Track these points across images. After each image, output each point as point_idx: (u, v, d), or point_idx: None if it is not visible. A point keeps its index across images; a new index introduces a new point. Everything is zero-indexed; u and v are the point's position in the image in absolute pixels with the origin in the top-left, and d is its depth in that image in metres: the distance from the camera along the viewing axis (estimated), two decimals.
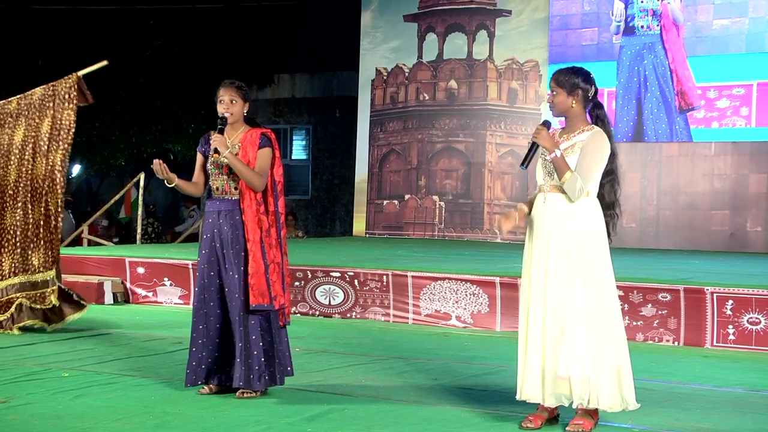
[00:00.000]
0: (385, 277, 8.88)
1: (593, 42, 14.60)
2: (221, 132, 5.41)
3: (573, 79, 4.81)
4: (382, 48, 16.46)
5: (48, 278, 7.83)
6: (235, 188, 5.41)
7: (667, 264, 10.41)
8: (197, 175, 5.58)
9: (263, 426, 4.73)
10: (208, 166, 5.49)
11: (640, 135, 14.19)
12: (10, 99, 8.12)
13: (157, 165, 5.32)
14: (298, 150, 20.08)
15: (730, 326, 7.55)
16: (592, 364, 4.64)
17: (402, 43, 16.28)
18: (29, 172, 7.89)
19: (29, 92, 8.08)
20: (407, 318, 8.76)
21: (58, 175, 7.87)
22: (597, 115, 4.86)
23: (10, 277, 7.84)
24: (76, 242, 13.81)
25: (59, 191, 7.88)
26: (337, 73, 19.21)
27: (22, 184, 7.89)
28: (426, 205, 15.85)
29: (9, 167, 7.95)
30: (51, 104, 7.93)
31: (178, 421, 4.78)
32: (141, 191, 13.93)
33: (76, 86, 7.89)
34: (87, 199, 22.23)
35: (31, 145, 7.92)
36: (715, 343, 7.59)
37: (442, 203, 15.73)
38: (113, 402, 5.16)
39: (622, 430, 4.79)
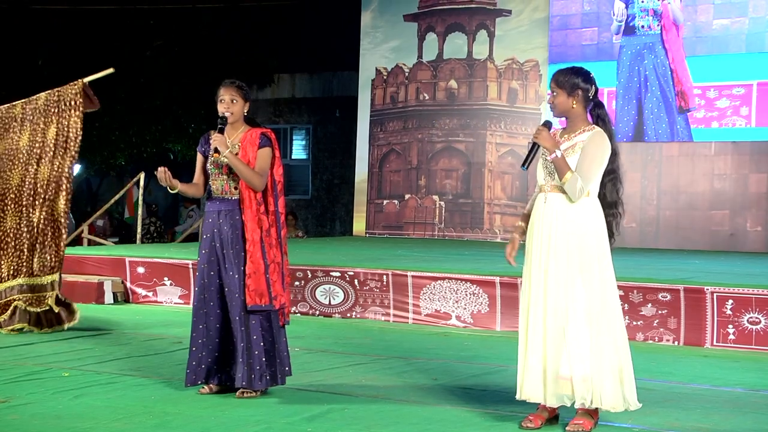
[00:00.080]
0: (385, 276, 8.88)
1: (593, 42, 14.60)
2: (221, 131, 5.41)
3: (573, 80, 4.81)
4: (382, 48, 16.46)
5: (46, 282, 7.83)
6: (235, 188, 5.41)
7: (667, 264, 10.41)
8: (198, 175, 5.58)
9: (263, 426, 4.73)
10: (208, 165, 5.49)
11: (641, 135, 14.19)
12: (14, 103, 8.12)
13: (162, 173, 5.31)
14: (298, 150, 20.09)
15: (730, 326, 7.55)
16: (594, 364, 4.64)
17: (402, 43, 16.28)
18: (33, 176, 7.90)
19: (34, 97, 8.08)
20: (407, 318, 8.76)
21: (65, 182, 7.87)
22: (598, 115, 4.85)
23: (8, 279, 7.83)
24: (76, 242, 13.81)
25: (66, 198, 7.88)
26: (337, 73, 19.21)
27: (25, 189, 7.89)
28: (426, 204, 15.85)
29: (13, 171, 7.95)
30: (56, 110, 7.93)
31: (178, 421, 4.78)
32: (141, 191, 13.94)
33: (81, 93, 7.90)
34: (87, 199, 22.23)
35: (37, 150, 7.92)
36: (715, 343, 7.59)
37: (442, 203, 15.73)
38: (113, 402, 5.16)
39: (622, 430, 4.79)
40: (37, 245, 7.82)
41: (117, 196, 14.81)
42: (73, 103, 7.90)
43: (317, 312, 9.12)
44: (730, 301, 7.56)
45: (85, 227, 14.25)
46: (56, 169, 7.88)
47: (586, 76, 4.83)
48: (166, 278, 9.77)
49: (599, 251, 4.73)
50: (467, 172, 15.62)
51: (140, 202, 14.15)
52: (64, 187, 7.87)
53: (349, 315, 9.01)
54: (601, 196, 4.82)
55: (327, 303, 9.11)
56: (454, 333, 8.26)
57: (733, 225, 13.63)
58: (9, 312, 7.73)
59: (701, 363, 6.94)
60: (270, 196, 5.46)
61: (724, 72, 13.65)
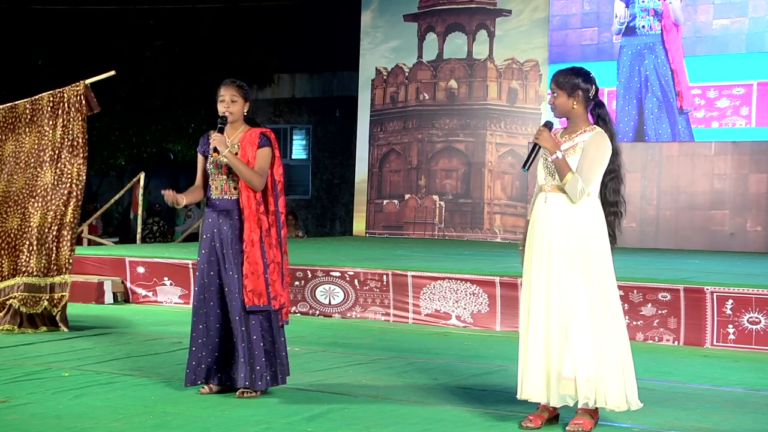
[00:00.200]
0: (385, 276, 8.88)
1: (593, 42, 14.61)
2: (221, 131, 5.41)
3: (573, 80, 4.80)
4: (382, 48, 16.46)
5: (43, 284, 7.82)
6: (235, 188, 5.40)
7: (667, 264, 10.41)
8: (199, 177, 5.57)
9: (263, 426, 4.73)
10: (208, 165, 5.49)
11: (641, 135, 14.20)
12: (16, 103, 8.11)
13: (170, 195, 5.38)
14: (298, 150, 20.09)
15: (730, 326, 7.55)
16: (598, 364, 4.63)
17: (402, 43, 16.28)
18: (38, 179, 7.90)
19: (36, 97, 8.07)
20: (407, 318, 8.76)
21: (76, 190, 7.88)
22: (599, 114, 4.85)
23: (8, 278, 7.84)
24: (76, 242, 13.80)
25: (75, 206, 7.89)
26: (337, 73, 19.22)
27: (29, 191, 7.89)
28: (426, 204, 15.86)
29: (19, 174, 7.94)
30: (60, 111, 7.93)
31: (178, 421, 4.78)
32: (141, 191, 13.94)
33: (84, 95, 7.89)
34: (87, 199, 22.22)
35: (42, 154, 7.91)
36: (715, 343, 7.59)
37: (442, 203, 15.73)
38: (113, 402, 5.16)
39: (622, 430, 4.79)
40: (36, 246, 7.81)
41: (117, 196, 14.81)
42: (77, 105, 7.90)
43: (317, 312, 9.12)
44: (730, 301, 7.56)
45: (85, 227, 14.25)
46: (65, 174, 7.88)
47: (586, 77, 4.83)
48: (166, 278, 9.77)
49: (600, 251, 4.73)
50: (467, 172, 15.62)
51: (140, 202, 14.15)
52: (75, 194, 7.88)
53: (349, 315, 9.01)
54: (602, 196, 4.82)
55: (327, 303, 9.11)
56: (454, 333, 8.26)
57: (733, 225, 13.63)
58: (4, 311, 7.74)
59: (701, 363, 6.94)
60: (270, 195, 5.46)
61: (724, 72, 13.65)
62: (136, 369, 6.14)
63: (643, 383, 4.93)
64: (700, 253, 12.69)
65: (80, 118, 7.91)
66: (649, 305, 7.82)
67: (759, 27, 13.62)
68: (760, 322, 7.47)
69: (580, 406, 4.69)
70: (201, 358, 5.38)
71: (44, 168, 7.90)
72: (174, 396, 5.34)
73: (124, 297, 9.90)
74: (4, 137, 8.03)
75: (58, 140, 7.90)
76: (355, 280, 8.99)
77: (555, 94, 4.83)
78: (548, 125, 4.83)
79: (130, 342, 7.31)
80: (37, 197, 7.88)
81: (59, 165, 7.89)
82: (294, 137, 20.07)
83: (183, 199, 5.43)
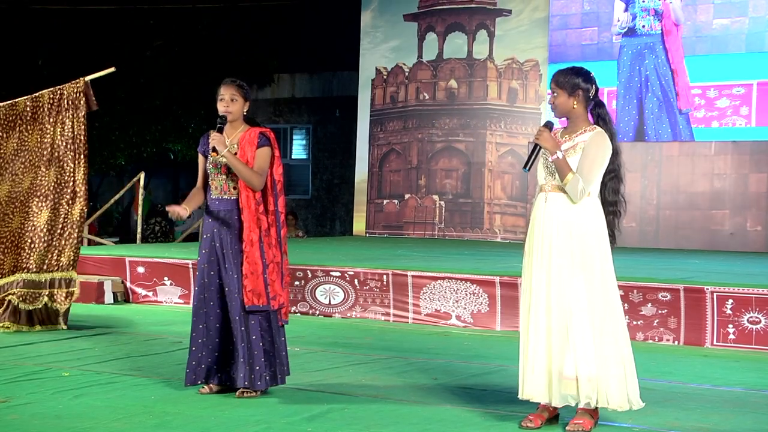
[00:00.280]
0: (385, 276, 8.88)
1: (593, 42, 14.61)
2: (220, 131, 5.41)
3: (573, 80, 4.80)
4: (382, 48, 16.46)
5: (43, 279, 7.83)
6: (234, 188, 5.40)
7: (667, 263, 10.41)
8: (200, 178, 5.57)
9: (263, 426, 4.73)
10: (208, 165, 5.48)
11: (641, 135, 14.20)
12: (16, 100, 8.11)
13: (174, 212, 5.41)
14: (298, 150, 20.09)
15: (730, 326, 7.55)
16: (599, 364, 4.63)
17: (402, 43, 16.28)
18: (43, 179, 7.90)
19: (36, 95, 8.07)
20: (407, 317, 8.76)
21: (82, 189, 7.90)
22: (599, 114, 4.85)
23: (9, 275, 7.84)
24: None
25: (82, 205, 7.91)
26: (337, 72, 19.22)
27: (34, 191, 7.91)
28: (426, 204, 15.86)
29: (25, 174, 7.95)
30: (60, 109, 7.93)
31: (178, 421, 4.78)
32: (141, 191, 13.94)
33: (84, 92, 7.90)
34: (87, 198, 22.21)
35: (46, 153, 7.92)
36: (715, 343, 7.59)
37: (442, 203, 15.73)
38: (113, 402, 5.16)
39: (622, 430, 4.79)
40: (39, 243, 7.82)
41: (117, 196, 14.81)
42: (77, 102, 7.91)
43: (317, 312, 9.12)
44: (730, 301, 7.56)
45: (85, 227, 14.24)
46: (68, 173, 7.89)
47: (586, 76, 4.83)
48: (166, 278, 9.77)
49: (600, 251, 4.73)
50: (467, 171, 15.62)
51: (140, 202, 14.15)
52: (80, 193, 7.90)
53: (349, 315, 9.01)
54: (602, 196, 4.82)
55: (327, 303, 9.11)
56: (454, 333, 8.26)
57: (733, 225, 13.63)
58: (3, 307, 7.74)
59: (701, 363, 6.94)
60: (270, 195, 5.45)
61: (724, 72, 13.65)
62: (136, 369, 6.14)
63: (643, 383, 4.93)
64: (700, 253, 12.69)
65: (81, 116, 7.92)
66: (649, 305, 7.82)
67: (759, 27, 13.62)
68: (760, 321, 7.47)
69: (581, 405, 4.69)
70: (201, 358, 5.38)
71: (48, 167, 7.91)
72: (174, 396, 5.34)
73: (124, 297, 9.90)
74: (5, 135, 8.03)
75: (60, 138, 7.91)
76: (355, 280, 8.99)
77: (555, 94, 4.83)
78: (548, 125, 4.83)
79: (130, 342, 7.31)
80: (41, 196, 7.89)
81: (62, 163, 7.90)
82: (294, 137, 20.07)
83: (186, 211, 5.43)
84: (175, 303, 9.69)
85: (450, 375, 6.17)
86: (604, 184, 4.82)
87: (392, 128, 16.29)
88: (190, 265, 9.47)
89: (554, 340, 4.69)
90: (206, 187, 5.54)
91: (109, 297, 9.73)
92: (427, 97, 16.02)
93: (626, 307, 7.68)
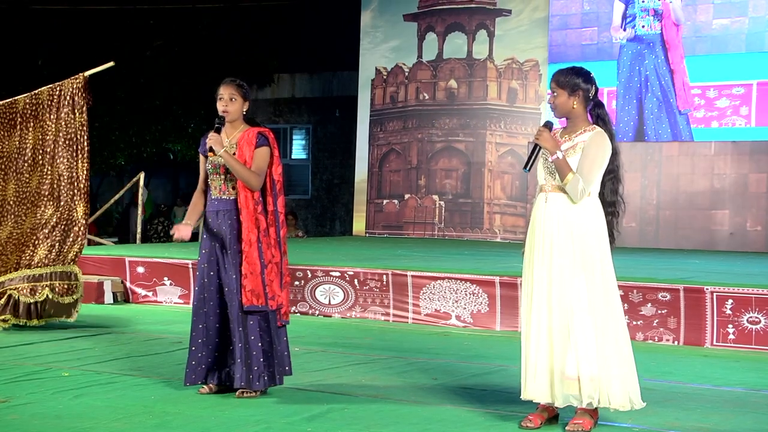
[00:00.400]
0: (384, 276, 8.88)
1: (593, 41, 14.61)
2: (218, 131, 5.41)
3: (574, 80, 4.80)
4: (382, 48, 16.46)
5: (45, 273, 7.84)
6: (233, 188, 5.40)
7: (666, 263, 10.41)
8: (201, 180, 5.56)
9: (263, 426, 4.73)
10: (207, 165, 5.48)
11: (641, 135, 14.20)
12: (15, 98, 8.11)
13: (178, 235, 5.47)
14: (298, 150, 20.09)
15: (730, 326, 7.55)
16: (601, 364, 4.63)
17: (402, 43, 16.28)
18: (48, 176, 7.92)
19: (36, 92, 8.08)
20: (407, 317, 8.76)
21: (85, 185, 7.93)
22: (598, 115, 4.85)
23: (11, 272, 7.86)
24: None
25: (85, 203, 7.95)
26: (336, 72, 19.22)
27: (39, 190, 7.93)
28: (426, 204, 15.86)
29: (31, 174, 7.97)
30: (60, 105, 7.93)
31: (178, 421, 4.78)
32: (141, 191, 13.95)
33: (84, 87, 7.90)
34: (89, 195, 22.20)
35: (48, 150, 7.93)
36: (714, 343, 7.59)
37: (442, 203, 15.73)
38: (113, 402, 5.16)
39: (622, 430, 4.79)
40: (42, 240, 7.84)
41: (117, 196, 14.81)
42: (76, 98, 7.91)
43: (317, 312, 9.12)
44: (730, 301, 7.56)
45: (86, 228, 14.24)
46: (72, 170, 7.90)
47: (586, 77, 4.83)
48: (165, 278, 9.77)
49: (600, 251, 4.73)
50: (467, 171, 15.62)
51: (140, 202, 14.16)
52: (84, 190, 7.92)
53: (349, 315, 9.01)
54: (601, 196, 4.82)
55: (327, 303, 9.11)
56: (454, 333, 8.26)
57: (733, 224, 13.63)
58: (3, 301, 7.74)
59: (701, 363, 6.94)
60: (269, 195, 5.45)
61: (723, 72, 13.65)
62: (136, 369, 6.14)
63: (643, 383, 4.93)
64: (700, 253, 12.69)
65: (81, 111, 7.92)
66: (649, 305, 7.82)
67: (759, 27, 13.62)
68: (760, 321, 7.47)
69: (584, 405, 4.69)
70: (201, 358, 5.38)
71: (53, 165, 7.93)
72: (174, 396, 5.34)
73: (124, 297, 9.90)
74: (6, 133, 8.03)
75: (62, 135, 7.92)
76: (355, 280, 8.99)
77: (555, 94, 4.83)
78: (548, 125, 4.83)
79: (130, 342, 7.32)
80: (49, 195, 7.92)
81: (65, 160, 7.91)
82: (294, 137, 20.08)
83: (189, 229, 5.47)
84: (174, 303, 9.69)
85: (450, 375, 6.17)
86: (603, 185, 4.82)
87: (392, 128, 16.30)
88: (190, 265, 9.47)
89: (556, 340, 4.69)
90: (207, 188, 5.54)
91: (109, 297, 9.73)
92: (427, 97, 16.02)
93: (626, 307, 7.67)
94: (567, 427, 4.71)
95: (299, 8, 19.10)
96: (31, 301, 7.74)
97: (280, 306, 5.41)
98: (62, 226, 7.90)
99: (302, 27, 19.19)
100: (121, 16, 17.87)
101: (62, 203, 7.92)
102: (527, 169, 4.84)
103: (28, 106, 8.02)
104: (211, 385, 5.42)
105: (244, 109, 5.49)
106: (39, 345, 7.10)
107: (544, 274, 4.74)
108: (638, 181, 13.98)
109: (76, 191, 7.93)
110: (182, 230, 5.46)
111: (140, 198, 14.11)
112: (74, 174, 7.92)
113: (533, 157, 4.82)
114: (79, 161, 7.92)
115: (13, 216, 7.96)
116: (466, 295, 8.53)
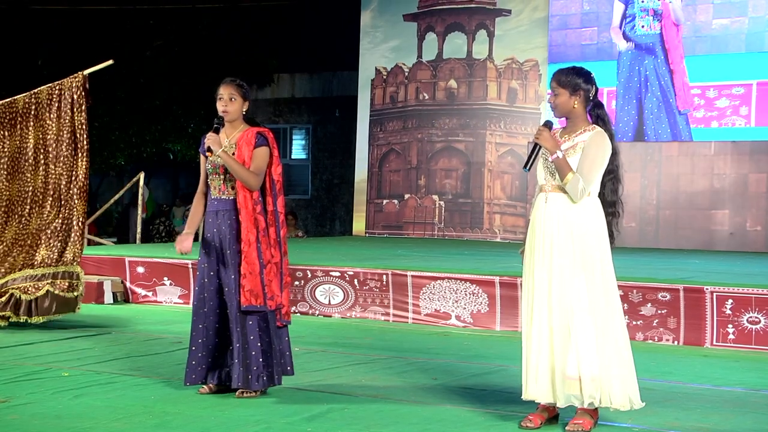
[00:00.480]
0: (384, 276, 8.88)
1: (593, 41, 14.61)
2: (216, 131, 5.41)
3: (575, 80, 4.80)
4: (382, 48, 16.46)
5: (48, 273, 7.85)
6: (232, 188, 5.40)
7: (666, 263, 10.42)
8: (202, 180, 5.56)
9: (263, 426, 4.73)
10: (207, 165, 5.48)
11: (641, 135, 14.20)
12: (15, 98, 8.12)
13: (181, 250, 5.51)
14: (298, 150, 20.09)
15: (730, 325, 7.55)
16: (602, 364, 4.64)
17: (402, 43, 16.28)
18: (50, 176, 7.93)
19: (35, 91, 8.08)
20: (407, 317, 8.76)
21: (84, 184, 7.95)
22: (598, 115, 4.85)
23: (15, 271, 7.87)
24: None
25: (85, 202, 7.96)
26: (336, 72, 19.22)
27: (43, 189, 7.94)
28: (426, 204, 15.86)
29: (34, 173, 7.98)
30: (60, 104, 7.94)
31: (178, 421, 4.78)
32: (141, 190, 13.95)
33: (83, 86, 7.91)
34: (87, 198, 22.19)
35: (50, 149, 7.94)
36: (714, 343, 7.59)
37: (442, 203, 15.73)
38: (113, 402, 5.16)
39: (622, 430, 4.79)
40: (45, 240, 7.86)
41: (117, 196, 14.81)
42: (76, 96, 7.92)
43: (317, 312, 9.12)
44: (730, 301, 7.56)
45: (85, 227, 14.24)
46: (72, 169, 7.91)
47: (587, 77, 4.84)
48: (165, 278, 9.77)
49: (601, 251, 4.73)
50: (467, 171, 15.62)
51: (140, 202, 14.16)
52: (84, 189, 7.94)
53: (349, 315, 9.01)
54: (602, 196, 4.82)
55: (327, 303, 9.11)
56: (454, 333, 8.26)
57: (732, 224, 13.63)
58: (5, 299, 7.75)
59: (701, 363, 6.94)
60: (269, 195, 5.45)
61: (723, 72, 13.65)
62: (136, 369, 6.14)
63: (643, 383, 4.93)
64: (700, 253, 12.69)
65: (81, 110, 7.92)
66: (649, 305, 7.83)
67: (759, 27, 13.62)
68: (760, 321, 7.47)
69: (585, 405, 4.69)
70: (201, 358, 5.38)
71: (55, 165, 7.94)
72: (174, 396, 5.34)
73: (123, 297, 9.90)
74: (6, 133, 8.03)
75: (62, 134, 7.93)
76: (355, 280, 8.99)
77: (556, 93, 4.82)
78: (548, 125, 4.83)
79: (130, 342, 7.32)
80: (54, 194, 7.92)
81: (67, 159, 7.93)
82: (294, 137, 20.07)
83: (190, 240, 5.50)
84: (174, 303, 9.69)
85: (450, 375, 6.17)
86: (603, 185, 4.82)
87: (392, 128, 16.30)
88: (190, 265, 9.47)
89: (556, 340, 4.69)
90: (208, 188, 5.54)
91: (108, 297, 9.73)
92: (426, 97, 16.02)
93: (626, 307, 7.68)
94: (567, 427, 4.71)
95: (299, 8, 19.10)
96: (32, 298, 7.73)
97: (280, 306, 5.41)
98: (64, 226, 7.91)
99: (302, 27, 19.19)
100: (121, 16, 17.87)
101: (63, 203, 7.93)
102: (527, 168, 4.84)
103: (27, 106, 8.02)
104: (211, 385, 5.42)
105: (244, 109, 5.49)
106: (39, 345, 7.11)
107: (544, 274, 4.74)
108: (638, 181, 13.98)
109: (76, 191, 7.94)
110: (184, 243, 5.49)
111: (140, 198, 14.11)
112: (74, 173, 7.93)
113: (533, 157, 4.82)
114: (79, 160, 7.93)
115: (17, 216, 7.98)
116: (466, 295, 8.53)
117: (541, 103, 14.98)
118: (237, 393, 5.34)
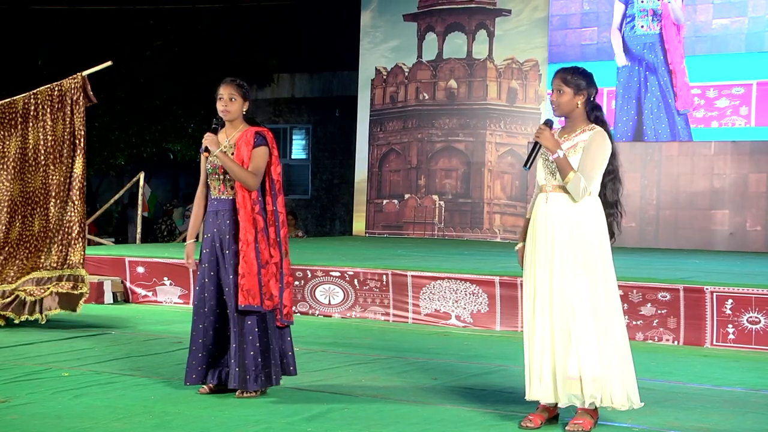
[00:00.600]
0: (384, 276, 8.88)
1: (593, 41, 14.61)
2: (214, 131, 5.41)
3: (580, 80, 4.80)
4: (382, 48, 16.46)
5: (52, 276, 7.88)
6: (232, 188, 5.40)
7: (666, 263, 10.42)
8: (202, 183, 5.55)
9: (263, 426, 4.73)
10: (207, 165, 5.48)
11: (640, 135, 14.20)
12: (14, 98, 8.12)
13: (189, 264, 5.58)
14: (298, 150, 20.09)
15: (730, 325, 7.55)
16: (603, 364, 4.64)
17: (402, 43, 16.28)
18: (51, 177, 7.94)
19: (34, 92, 8.08)
20: (407, 317, 8.76)
21: (83, 184, 7.97)
22: (596, 117, 4.86)
23: (24, 275, 7.89)
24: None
25: (84, 199, 7.97)
26: (336, 72, 19.22)
27: (44, 190, 7.95)
28: (426, 204, 15.86)
29: (35, 174, 7.99)
30: (60, 105, 7.94)
31: (178, 421, 4.78)
32: (141, 190, 13.95)
33: (82, 87, 7.92)
34: (87, 198, 22.20)
35: (50, 150, 7.94)
36: (714, 343, 7.59)
37: (442, 203, 15.73)
38: (113, 402, 5.16)
39: (622, 430, 4.79)
40: (50, 244, 7.88)
41: (117, 196, 14.82)
42: (75, 97, 7.93)
43: (317, 312, 9.12)
44: (730, 301, 7.56)
45: (85, 228, 14.24)
46: (73, 170, 7.92)
47: (590, 79, 4.85)
48: (165, 278, 9.77)
49: (602, 250, 4.73)
50: (467, 171, 15.62)
51: (140, 201, 14.16)
52: (82, 189, 7.98)
53: (349, 315, 9.01)
54: (602, 197, 4.83)
55: (327, 303, 9.11)
56: (454, 333, 8.26)
57: (732, 224, 13.63)
58: (11, 300, 7.79)
59: (701, 363, 6.94)
60: (268, 195, 5.45)
61: (723, 71, 13.65)
62: (136, 369, 6.14)
63: (643, 383, 4.94)
64: (700, 253, 12.69)
65: (80, 111, 7.94)
66: (649, 305, 7.83)
67: (759, 27, 13.62)
68: (760, 321, 7.47)
69: (586, 405, 4.69)
70: (201, 358, 5.38)
71: (55, 165, 7.95)
72: (174, 396, 5.34)
73: (123, 297, 9.90)
74: (6, 134, 8.03)
75: (62, 135, 7.94)
76: (355, 280, 8.99)
77: (561, 91, 4.81)
78: (549, 123, 4.83)
79: (130, 342, 7.32)
80: (55, 196, 7.93)
81: (66, 161, 7.94)
82: (294, 137, 20.07)
83: (193, 248, 5.55)
84: (174, 303, 9.69)
85: (450, 375, 6.17)
86: (604, 186, 4.83)
87: (392, 128, 16.30)
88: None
89: (557, 340, 4.69)
90: (208, 189, 5.54)
91: (108, 297, 9.73)
92: (426, 97, 16.02)
93: (626, 307, 7.68)
94: (567, 427, 4.71)
95: (299, 8, 19.10)
96: (36, 299, 7.79)
97: (277, 306, 5.40)
98: (67, 229, 7.92)
99: (302, 27, 19.19)
100: (121, 16, 17.87)
101: (64, 204, 7.94)
102: (527, 166, 4.84)
103: (27, 106, 8.02)
104: (210, 384, 5.42)
105: (244, 109, 5.49)
106: (39, 345, 7.11)
107: (546, 274, 4.74)
108: (638, 181, 13.98)
109: (76, 192, 7.96)
110: (190, 259, 5.55)
111: (140, 197, 14.11)
112: (73, 174, 7.94)
113: (533, 155, 4.82)
114: (78, 161, 7.93)
115: (20, 216, 7.98)
116: (466, 295, 8.53)
117: (541, 103, 14.98)
118: (237, 393, 5.34)
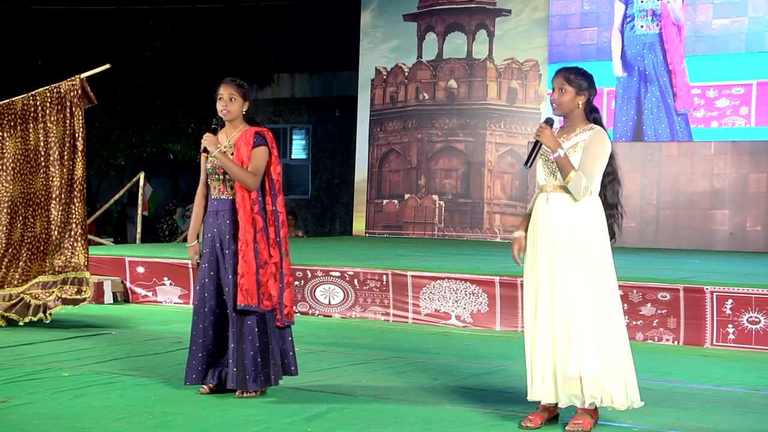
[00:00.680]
0: (384, 276, 8.88)
1: (593, 41, 14.61)
2: (214, 131, 5.41)
3: (582, 81, 4.81)
4: (382, 48, 16.47)
5: (57, 280, 7.90)
6: (231, 188, 5.40)
7: (666, 263, 10.42)
8: (202, 183, 5.55)
9: (263, 426, 4.73)
10: (207, 165, 5.48)
11: (640, 135, 14.20)
12: (13, 99, 8.13)
13: (194, 265, 5.60)
14: (298, 150, 20.09)
15: (730, 325, 7.55)
16: (603, 364, 4.64)
17: (402, 43, 16.28)
18: (53, 179, 7.95)
19: (33, 93, 8.09)
20: (407, 317, 8.76)
21: (83, 185, 7.96)
22: (595, 119, 4.86)
23: (31, 279, 7.91)
24: None
25: (84, 204, 7.97)
26: (336, 72, 19.22)
27: (46, 192, 7.97)
28: (426, 204, 15.86)
29: (34, 175, 7.99)
30: (59, 107, 7.95)
31: (178, 421, 4.78)
32: (141, 190, 13.95)
33: (80, 89, 7.92)
34: (87, 198, 22.19)
35: (51, 152, 7.95)
36: (714, 343, 7.59)
37: (442, 203, 15.74)
38: (113, 402, 5.16)
39: (622, 430, 4.79)
40: (54, 246, 7.90)
41: (117, 196, 14.82)
42: (74, 99, 7.93)
43: (317, 312, 9.12)
44: (730, 301, 7.56)
45: (86, 229, 14.24)
46: (73, 171, 7.93)
47: (591, 80, 4.86)
48: (165, 278, 9.77)
49: (602, 250, 4.73)
50: (467, 171, 15.62)
51: (140, 201, 14.16)
52: (82, 191, 7.98)
53: (349, 315, 9.01)
54: (602, 198, 4.83)
55: (327, 303, 9.11)
56: (454, 333, 8.26)
57: (732, 224, 13.63)
58: (15, 301, 7.79)
59: (701, 363, 6.94)
60: (268, 195, 5.45)
61: (723, 71, 13.66)
62: (135, 369, 6.14)
63: (643, 383, 4.93)
64: (700, 253, 12.69)
65: (79, 113, 7.95)
66: (649, 305, 7.83)
67: (759, 27, 13.62)
68: (760, 321, 7.47)
69: (586, 405, 4.69)
70: (201, 358, 5.38)
71: (56, 166, 7.95)
72: (174, 396, 5.34)
73: (123, 297, 9.90)
74: (7, 134, 8.04)
75: (62, 137, 7.94)
76: (355, 280, 8.99)
77: (563, 90, 4.80)
78: (549, 122, 4.83)
79: (130, 342, 7.32)
80: (56, 197, 7.94)
81: (67, 163, 7.94)
82: (294, 137, 20.08)
83: (196, 249, 5.54)
84: (174, 303, 9.69)
85: (450, 375, 6.17)
86: (604, 186, 4.83)
87: (392, 128, 16.30)
88: (190, 265, 9.47)
89: (558, 340, 4.69)
90: (208, 189, 5.54)
91: (108, 297, 9.73)
92: (426, 97, 16.02)
93: (626, 307, 7.68)
94: (567, 427, 4.71)
95: (299, 8, 19.11)
96: (41, 303, 7.81)
97: (276, 306, 5.40)
98: (69, 231, 7.93)
99: (302, 27, 19.19)
100: (121, 17, 17.87)
101: (65, 206, 7.94)
102: (528, 165, 4.84)
103: (26, 108, 8.03)
104: (210, 384, 5.42)
105: (244, 109, 5.49)
106: (39, 345, 7.11)
107: (547, 274, 4.74)
108: (638, 181, 13.99)
109: (77, 193, 7.96)
110: (193, 259, 5.56)
111: (140, 197, 14.10)
112: (74, 176, 7.94)
113: (534, 154, 4.82)
114: (77, 162, 7.93)
115: (21, 218, 7.99)
116: (466, 295, 8.53)
117: (541, 103, 14.99)
118: (237, 393, 5.34)
